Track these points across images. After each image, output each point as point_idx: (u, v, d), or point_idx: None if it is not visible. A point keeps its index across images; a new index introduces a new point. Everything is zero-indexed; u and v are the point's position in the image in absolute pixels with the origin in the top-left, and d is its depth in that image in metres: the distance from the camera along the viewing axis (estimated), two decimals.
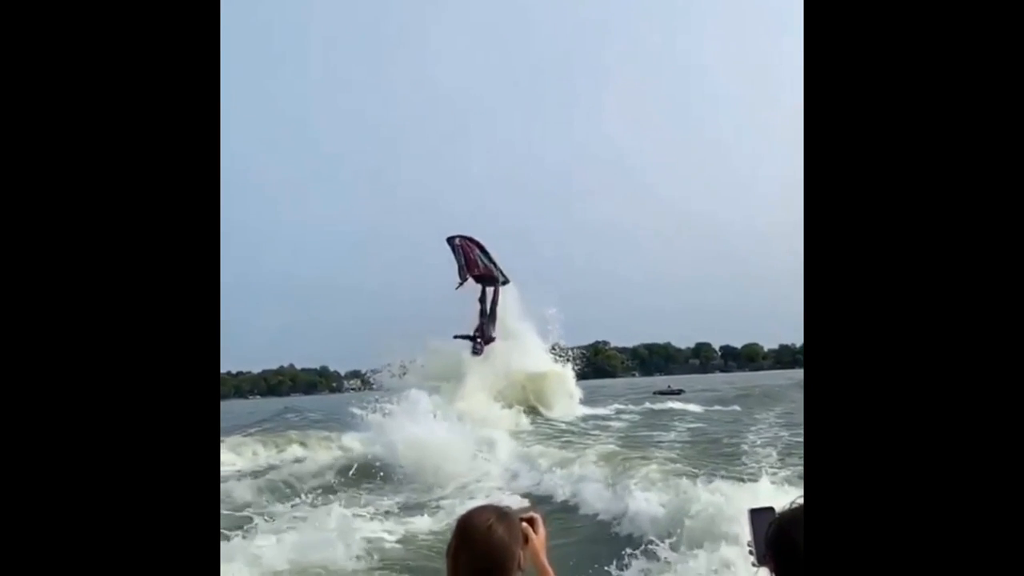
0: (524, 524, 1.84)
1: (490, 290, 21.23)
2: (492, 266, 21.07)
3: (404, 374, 20.47)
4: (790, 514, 1.52)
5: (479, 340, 20.74)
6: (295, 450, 15.69)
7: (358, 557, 7.98)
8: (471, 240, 21.17)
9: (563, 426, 18.84)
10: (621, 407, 23.83)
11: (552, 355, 22.17)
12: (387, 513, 10.29)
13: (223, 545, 7.72)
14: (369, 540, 8.54)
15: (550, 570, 1.91)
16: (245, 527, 8.91)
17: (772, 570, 1.52)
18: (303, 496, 10.92)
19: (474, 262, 20.89)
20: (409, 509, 10.72)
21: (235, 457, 14.96)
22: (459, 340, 20.89)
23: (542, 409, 20.19)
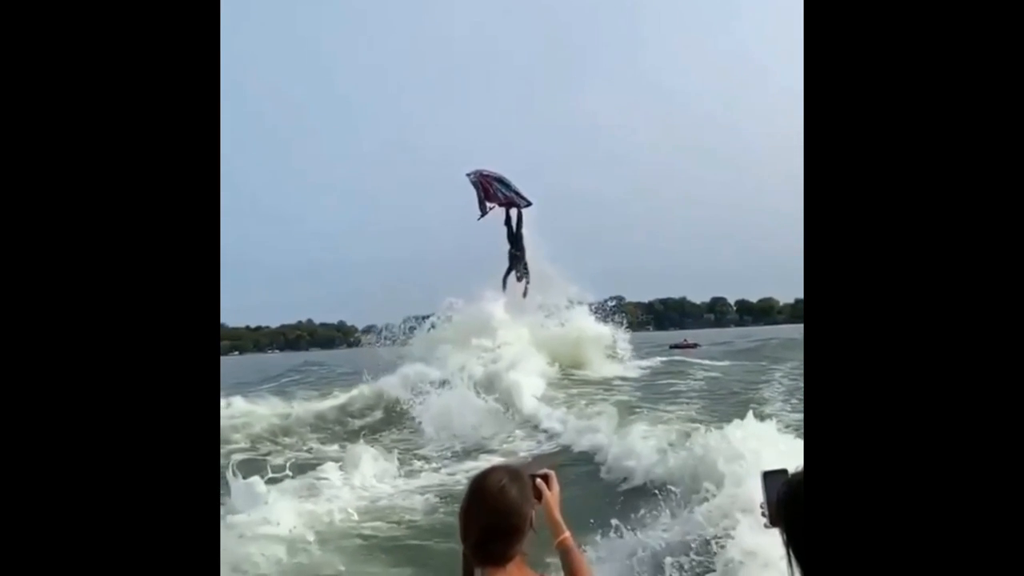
0: (539, 480, 1.91)
1: (514, 212, 20.78)
2: (513, 194, 20.84)
3: (407, 343, 19.84)
4: (801, 476, 1.53)
5: (519, 274, 20.02)
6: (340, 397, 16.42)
7: (435, 495, 8.29)
8: (488, 175, 20.84)
9: (594, 378, 18.60)
10: (662, 359, 23.51)
11: (595, 316, 21.15)
12: (440, 458, 10.74)
13: (294, 484, 8.16)
14: (426, 487, 8.87)
15: (564, 525, 1.94)
16: (309, 472, 9.16)
17: (783, 531, 1.54)
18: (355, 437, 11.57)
19: (493, 195, 20.65)
20: (457, 454, 11.14)
21: (280, 403, 15.67)
22: (488, 295, 20.09)
23: (584, 372, 19.27)
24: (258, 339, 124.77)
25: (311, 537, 6.81)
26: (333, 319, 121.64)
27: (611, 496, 7.61)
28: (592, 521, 5.99)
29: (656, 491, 6.89)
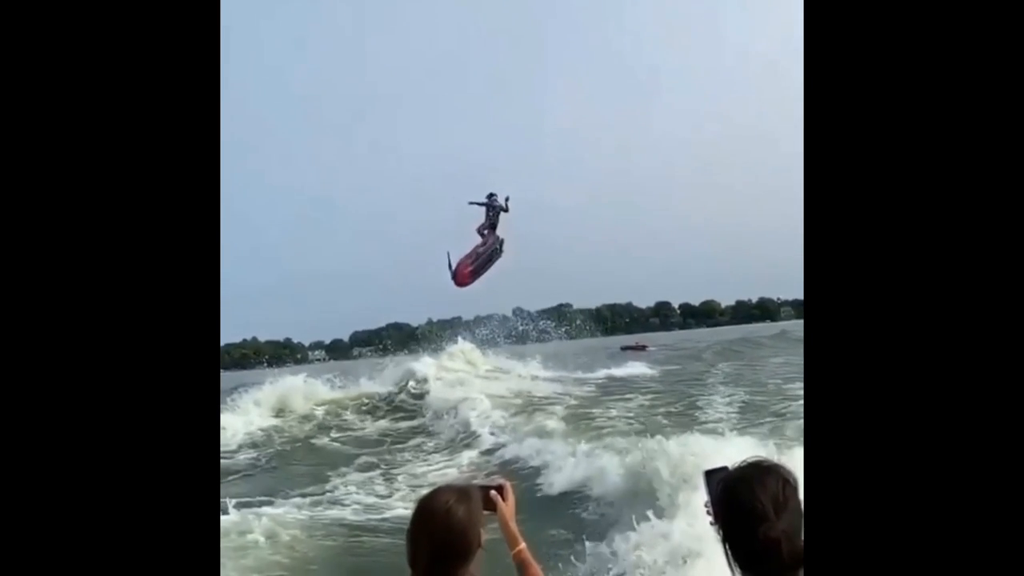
0: (493, 492, 1.90)
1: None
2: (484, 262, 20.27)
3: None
4: (737, 472, 1.52)
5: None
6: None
7: None
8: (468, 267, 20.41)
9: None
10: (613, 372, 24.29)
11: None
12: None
13: None
14: None
15: (519, 536, 1.92)
16: None
17: (719, 529, 1.51)
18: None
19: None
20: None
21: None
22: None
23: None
24: None
25: None
26: (279, 336, 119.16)
27: (557, 512, 7.88)
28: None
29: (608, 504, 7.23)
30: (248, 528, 7.68)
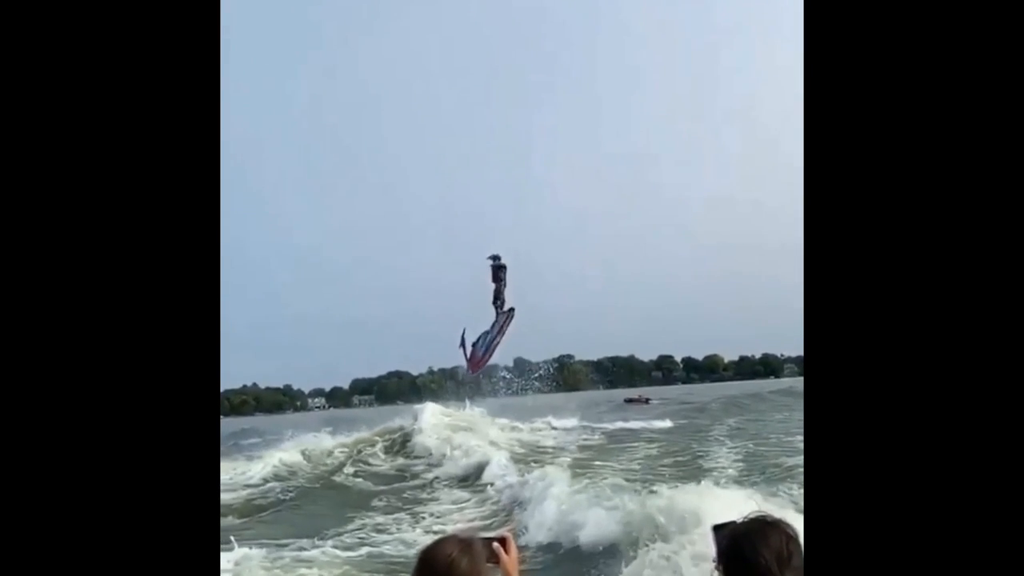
0: (496, 544, 1.87)
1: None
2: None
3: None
4: (741, 527, 1.52)
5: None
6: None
7: None
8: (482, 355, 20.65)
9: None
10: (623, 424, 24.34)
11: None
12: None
13: None
14: None
15: None
16: None
17: None
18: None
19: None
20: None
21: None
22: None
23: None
24: None
25: None
26: (279, 383, 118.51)
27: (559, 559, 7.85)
28: None
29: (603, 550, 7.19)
30: (290, 567, 7.91)
